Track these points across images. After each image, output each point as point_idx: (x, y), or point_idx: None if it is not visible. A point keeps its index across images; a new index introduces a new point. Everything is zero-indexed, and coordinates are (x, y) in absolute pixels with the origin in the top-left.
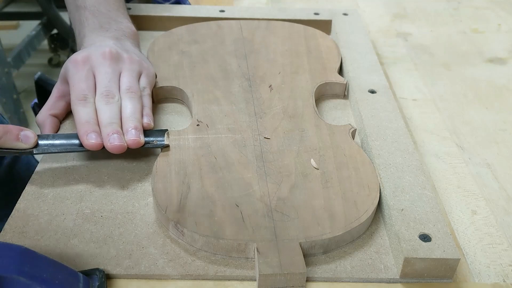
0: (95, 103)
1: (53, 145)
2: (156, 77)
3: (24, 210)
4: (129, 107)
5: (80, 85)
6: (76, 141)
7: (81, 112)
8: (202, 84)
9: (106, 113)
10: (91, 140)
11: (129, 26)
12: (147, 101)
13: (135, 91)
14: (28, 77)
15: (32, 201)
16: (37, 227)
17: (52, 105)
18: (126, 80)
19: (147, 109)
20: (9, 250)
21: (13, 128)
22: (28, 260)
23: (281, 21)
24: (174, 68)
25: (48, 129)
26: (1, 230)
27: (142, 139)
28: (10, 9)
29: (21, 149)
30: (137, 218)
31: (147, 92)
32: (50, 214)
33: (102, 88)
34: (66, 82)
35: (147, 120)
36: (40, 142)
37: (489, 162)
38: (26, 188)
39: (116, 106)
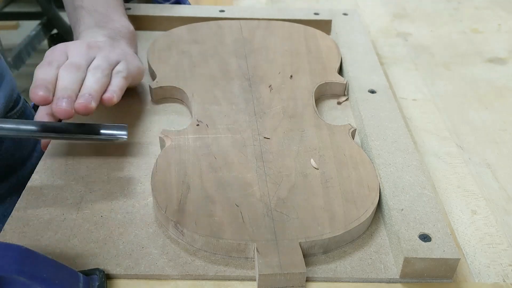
0: (58, 70)
1: (1, 128)
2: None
3: (24, 210)
4: (89, 80)
5: (50, 56)
6: (29, 127)
7: (40, 72)
8: (202, 84)
9: (65, 80)
10: (39, 92)
11: (125, 25)
12: (118, 81)
13: (103, 69)
14: (28, 77)
15: (32, 201)
16: (37, 227)
17: (48, 106)
18: (97, 60)
19: (114, 86)
20: (9, 250)
21: None
22: (28, 260)
23: (281, 21)
24: (174, 68)
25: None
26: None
27: (94, 105)
28: (10, 9)
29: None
30: (137, 218)
31: (121, 75)
32: (50, 214)
33: (70, 60)
34: None
35: (110, 94)
36: (4, 125)
37: (489, 162)
38: (26, 188)
39: (77, 76)
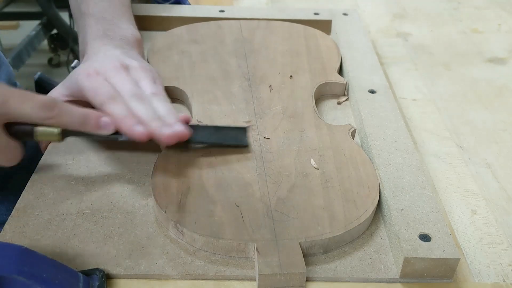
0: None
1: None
2: None
3: (24, 210)
4: (162, 107)
5: (103, 90)
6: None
7: (117, 109)
8: (202, 84)
9: (143, 111)
10: (140, 130)
11: (134, 33)
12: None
13: (161, 94)
14: (28, 77)
15: (32, 201)
16: (37, 227)
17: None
18: (148, 86)
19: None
20: (9, 250)
21: (92, 114)
22: (28, 260)
23: (281, 21)
24: (174, 68)
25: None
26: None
27: (186, 129)
28: (10, 9)
29: (101, 135)
30: (137, 218)
31: (168, 100)
32: (50, 214)
33: (129, 92)
34: (75, 93)
35: (183, 115)
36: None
37: (489, 162)
38: (26, 188)
39: (149, 105)
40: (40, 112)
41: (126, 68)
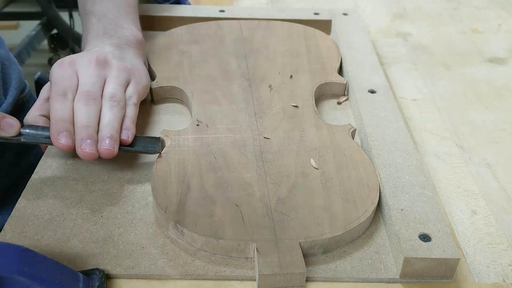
0: (74, 103)
1: (43, 136)
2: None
3: (24, 210)
4: (108, 115)
5: (61, 83)
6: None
7: (57, 109)
8: (202, 84)
9: (83, 114)
10: (61, 141)
11: (135, 34)
12: (131, 111)
13: (118, 100)
14: (28, 77)
15: (32, 201)
16: (37, 227)
17: (40, 106)
18: (111, 86)
19: (128, 121)
20: (9, 250)
21: None
22: (28, 260)
23: (281, 21)
24: (174, 68)
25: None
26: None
27: (116, 149)
28: (10, 9)
29: (2, 137)
30: (137, 218)
31: (132, 101)
32: (50, 214)
33: (84, 88)
34: None
35: (125, 135)
36: (29, 131)
37: (489, 162)
38: (26, 188)
39: (95, 109)
40: None
41: (102, 63)
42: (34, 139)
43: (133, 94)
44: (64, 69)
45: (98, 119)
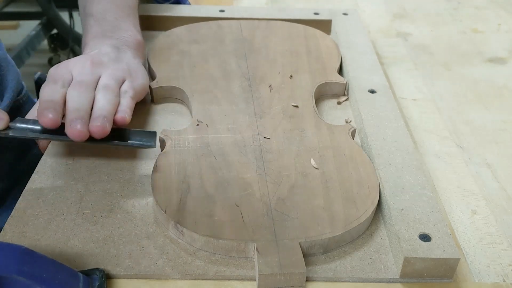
0: (65, 91)
1: (32, 130)
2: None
3: (24, 210)
4: (101, 101)
5: (54, 76)
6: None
7: (47, 91)
8: (202, 84)
9: (75, 99)
10: (49, 115)
11: (134, 35)
12: (126, 102)
13: (112, 89)
14: (28, 77)
15: (32, 201)
16: (37, 227)
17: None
18: (105, 79)
19: (124, 107)
20: (9, 250)
21: None
22: (28, 260)
23: (281, 21)
24: (174, 68)
25: None
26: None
27: (109, 128)
28: (10, 9)
29: None
30: (137, 218)
31: (128, 95)
32: (50, 214)
33: (77, 78)
34: None
35: (122, 114)
36: (19, 125)
37: (489, 162)
38: (26, 188)
39: (87, 95)
40: None
41: (97, 64)
42: (23, 133)
43: (129, 89)
44: (59, 68)
45: (90, 105)
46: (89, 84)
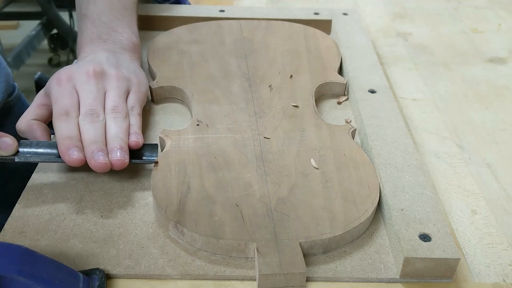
0: (78, 121)
1: (36, 153)
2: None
3: (24, 210)
4: (113, 127)
5: (62, 101)
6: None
7: (63, 128)
8: (202, 84)
9: (90, 132)
10: (72, 156)
11: (130, 38)
12: (135, 120)
13: (120, 111)
14: (28, 77)
15: (32, 201)
16: (37, 227)
17: (33, 111)
18: (111, 99)
19: (135, 128)
20: (9, 250)
21: None
22: (28, 260)
23: (281, 21)
24: (174, 68)
25: (39, 133)
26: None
27: (127, 159)
28: (10, 9)
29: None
30: (137, 218)
31: (136, 112)
32: (50, 214)
33: (86, 107)
34: (49, 96)
35: (135, 138)
36: (23, 149)
37: (489, 162)
38: (26, 188)
39: (100, 125)
40: None
41: (100, 75)
42: (28, 158)
43: (135, 104)
44: (63, 86)
45: (104, 133)
46: (99, 111)
